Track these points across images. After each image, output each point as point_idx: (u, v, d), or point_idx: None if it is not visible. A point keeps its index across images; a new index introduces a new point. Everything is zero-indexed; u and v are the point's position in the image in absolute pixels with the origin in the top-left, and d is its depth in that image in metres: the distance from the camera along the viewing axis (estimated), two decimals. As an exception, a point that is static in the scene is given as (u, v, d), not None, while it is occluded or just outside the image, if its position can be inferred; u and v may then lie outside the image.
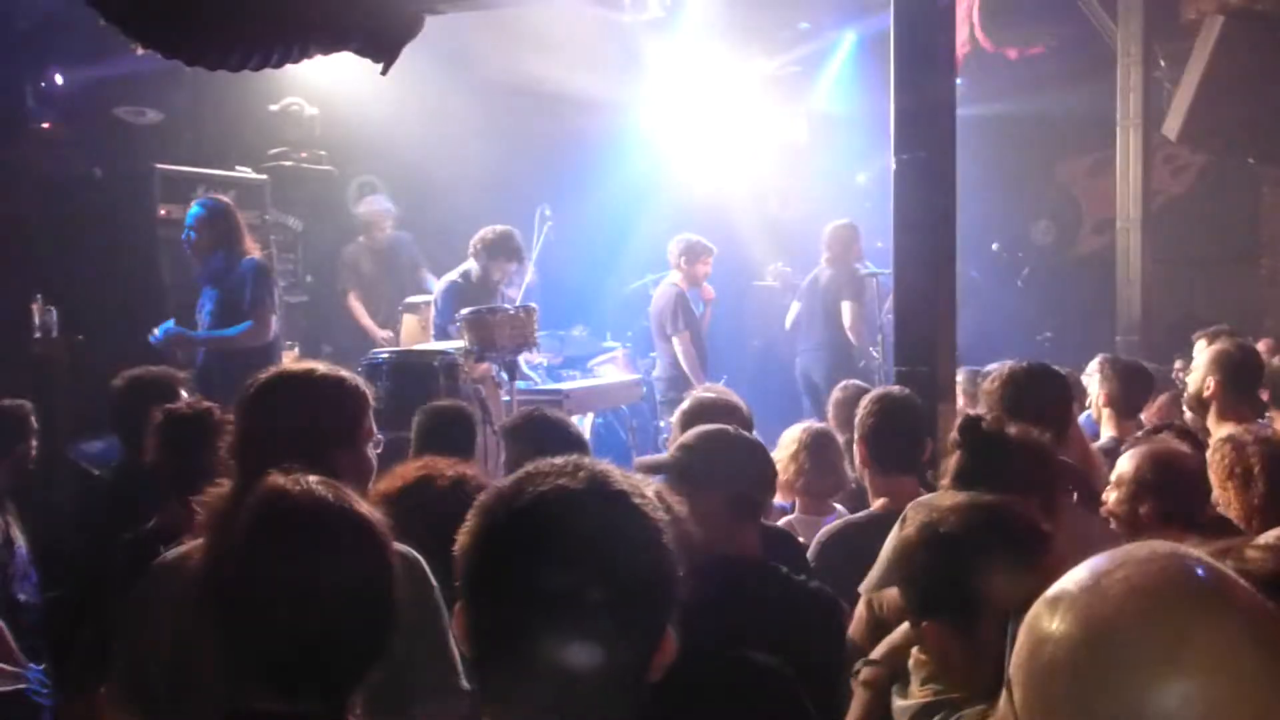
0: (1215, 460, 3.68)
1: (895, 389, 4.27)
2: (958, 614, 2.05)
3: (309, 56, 4.09)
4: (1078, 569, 1.12)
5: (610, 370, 9.21)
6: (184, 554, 2.51)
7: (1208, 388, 4.91)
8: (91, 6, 3.71)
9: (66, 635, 3.30)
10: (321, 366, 2.67)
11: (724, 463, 2.86)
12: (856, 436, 3.97)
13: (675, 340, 8.54)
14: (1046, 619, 1.09)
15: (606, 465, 1.54)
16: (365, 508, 1.96)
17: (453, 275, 7.76)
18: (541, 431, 3.83)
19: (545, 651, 1.41)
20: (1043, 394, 3.74)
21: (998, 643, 1.96)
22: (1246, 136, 9.26)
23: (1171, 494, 3.37)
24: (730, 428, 3.02)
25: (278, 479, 1.94)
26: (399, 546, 2.10)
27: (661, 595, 1.47)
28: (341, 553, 1.87)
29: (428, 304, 8.15)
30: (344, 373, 2.68)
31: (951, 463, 2.90)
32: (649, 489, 1.54)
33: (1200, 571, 1.07)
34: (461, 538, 1.50)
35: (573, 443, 3.68)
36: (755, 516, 2.96)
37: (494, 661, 1.47)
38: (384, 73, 4.39)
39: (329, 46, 4.13)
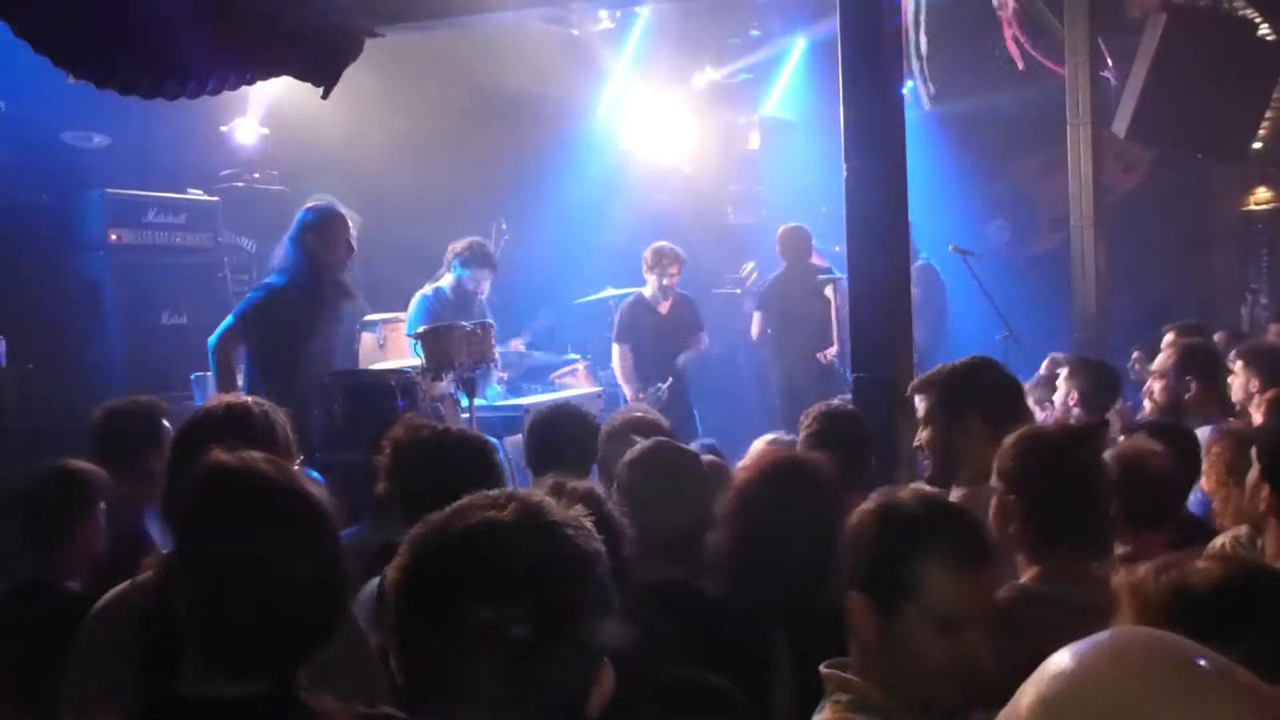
0: (1213, 457, 3.68)
1: (836, 402, 4.27)
2: (886, 592, 2.03)
3: (248, 83, 4.07)
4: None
5: (571, 382, 9.18)
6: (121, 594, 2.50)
7: (1189, 389, 4.95)
8: (22, 38, 3.66)
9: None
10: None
11: (668, 489, 2.83)
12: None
13: (614, 347, 8.62)
14: None
15: (540, 496, 1.53)
16: (310, 485, 1.97)
17: (425, 289, 7.74)
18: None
19: (476, 686, 1.41)
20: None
21: (915, 639, 1.96)
22: (1194, 131, 9.33)
23: (1140, 495, 3.38)
24: (677, 446, 2.98)
25: (220, 455, 1.94)
26: None
27: (594, 627, 1.47)
28: (285, 526, 1.87)
29: (385, 322, 8.10)
30: None
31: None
32: (585, 518, 1.53)
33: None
34: (391, 571, 1.50)
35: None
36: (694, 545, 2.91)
37: (424, 697, 1.46)
38: (324, 96, 4.37)
39: (267, 72, 4.11)
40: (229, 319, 6.02)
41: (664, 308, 8.76)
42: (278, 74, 4.17)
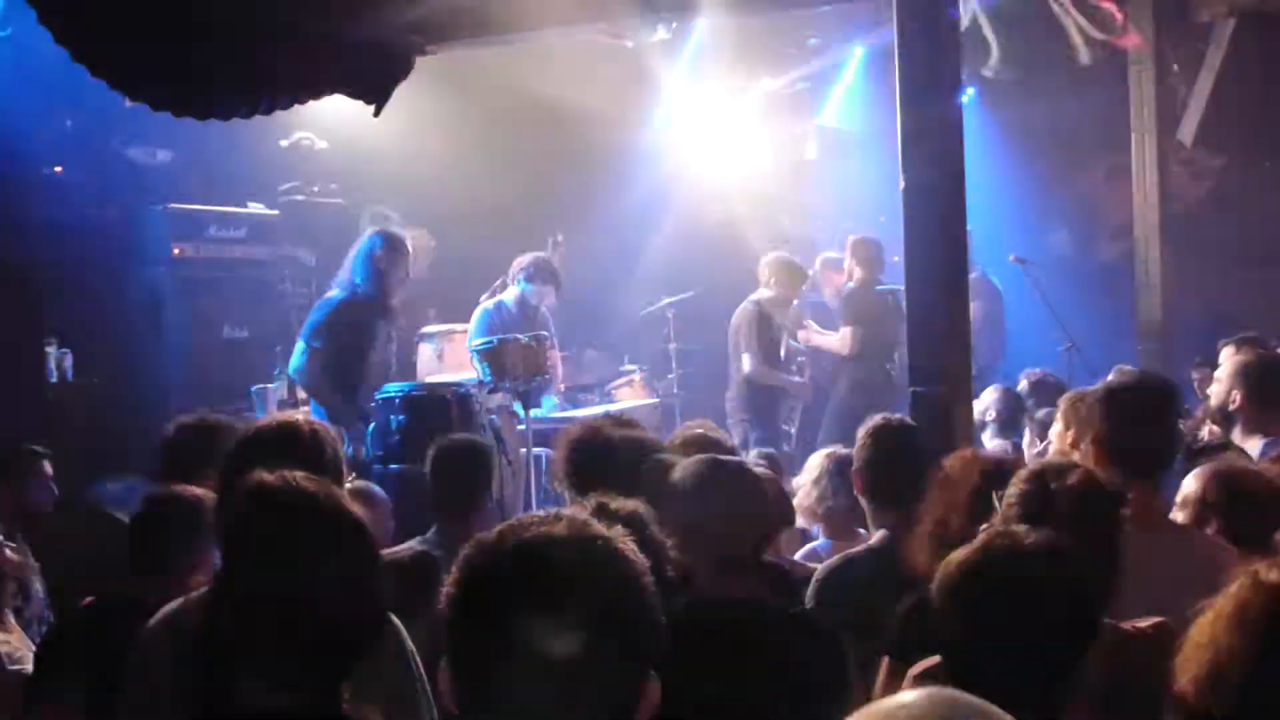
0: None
1: (894, 417, 4.20)
2: None
3: (300, 102, 4.11)
4: None
5: (627, 394, 9.17)
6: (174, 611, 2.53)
7: (1233, 401, 4.83)
8: (78, 61, 3.73)
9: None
10: None
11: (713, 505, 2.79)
12: (854, 467, 3.91)
13: (746, 358, 8.30)
14: None
15: (586, 514, 1.59)
16: (350, 503, 2.04)
17: (486, 303, 7.81)
18: None
19: (527, 699, 1.43)
20: None
21: None
22: (1263, 138, 9.17)
23: (1237, 514, 3.29)
24: (724, 463, 2.94)
25: (263, 475, 2.02)
26: None
27: (643, 641, 1.49)
28: (325, 544, 1.93)
29: (443, 334, 8.16)
30: None
31: None
32: (628, 537, 1.56)
33: None
34: (447, 589, 1.53)
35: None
36: (743, 561, 2.87)
37: (475, 710, 1.48)
38: (376, 114, 4.41)
39: (318, 92, 4.15)
40: (300, 344, 6.23)
41: None
42: (329, 93, 4.23)
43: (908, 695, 1.20)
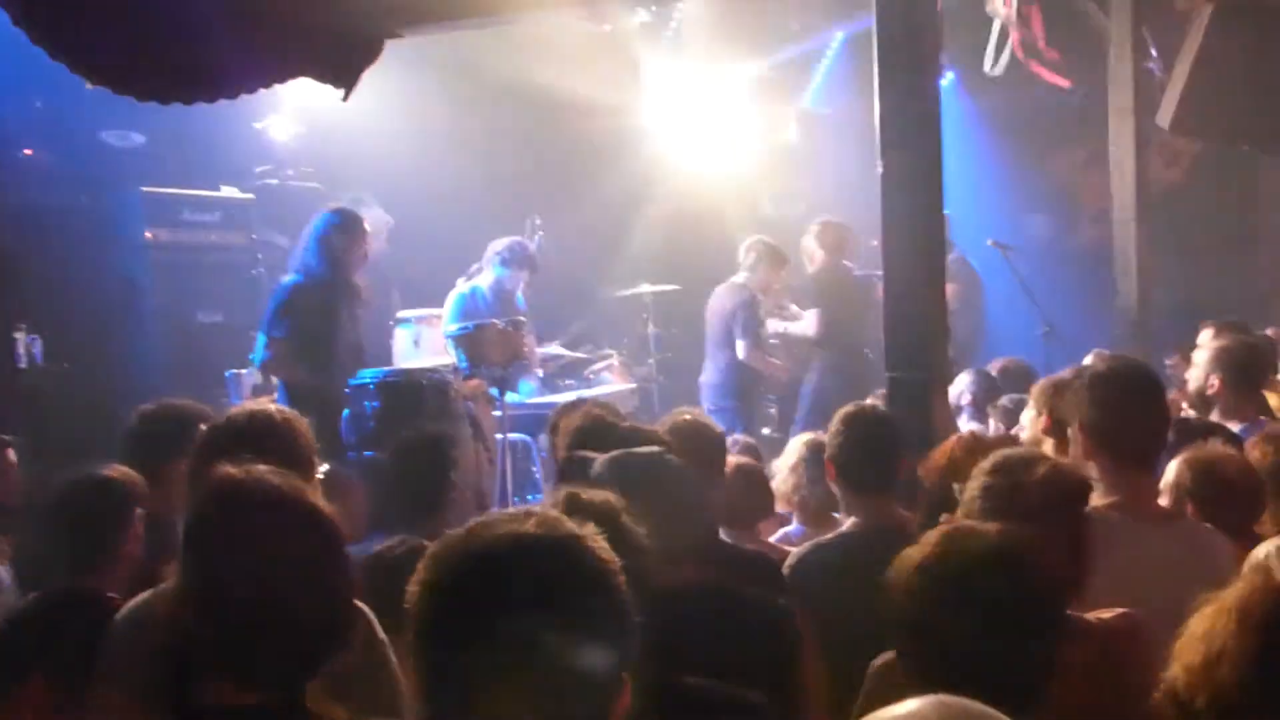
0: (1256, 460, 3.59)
1: (867, 404, 4.19)
2: None
3: (266, 87, 4.06)
4: None
5: (606, 378, 9.14)
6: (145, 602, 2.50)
7: (1211, 386, 4.83)
8: (38, 45, 3.67)
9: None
10: None
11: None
12: (826, 455, 3.89)
13: (741, 344, 8.19)
14: None
15: (556, 512, 1.57)
16: (316, 497, 2.00)
17: (461, 288, 7.74)
18: None
19: (497, 698, 1.41)
20: None
21: None
22: (1240, 123, 9.17)
23: (1213, 500, 3.28)
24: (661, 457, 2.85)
25: (229, 470, 1.99)
26: None
27: (616, 638, 1.47)
28: (289, 540, 1.91)
29: (420, 318, 8.10)
30: None
31: None
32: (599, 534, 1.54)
33: None
34: (413, 588, 1.50)
35: None
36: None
37: (444, 710, 1.46)
38: (345, 99, 4.36)
39: (285, 76, 4.10)
40: (260, 337, 6.14)
41: None
42: (296, 76, 4.17)
43: (913, 703, 1.19)
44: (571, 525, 1.52)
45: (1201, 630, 1.61)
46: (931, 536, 2.08)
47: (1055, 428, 3.96)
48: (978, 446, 3.17)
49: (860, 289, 8.54)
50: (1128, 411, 3.19)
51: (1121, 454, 3.13)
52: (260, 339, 6.24)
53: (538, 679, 1.40)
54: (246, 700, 1.86)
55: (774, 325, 8.90)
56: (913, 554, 2.04)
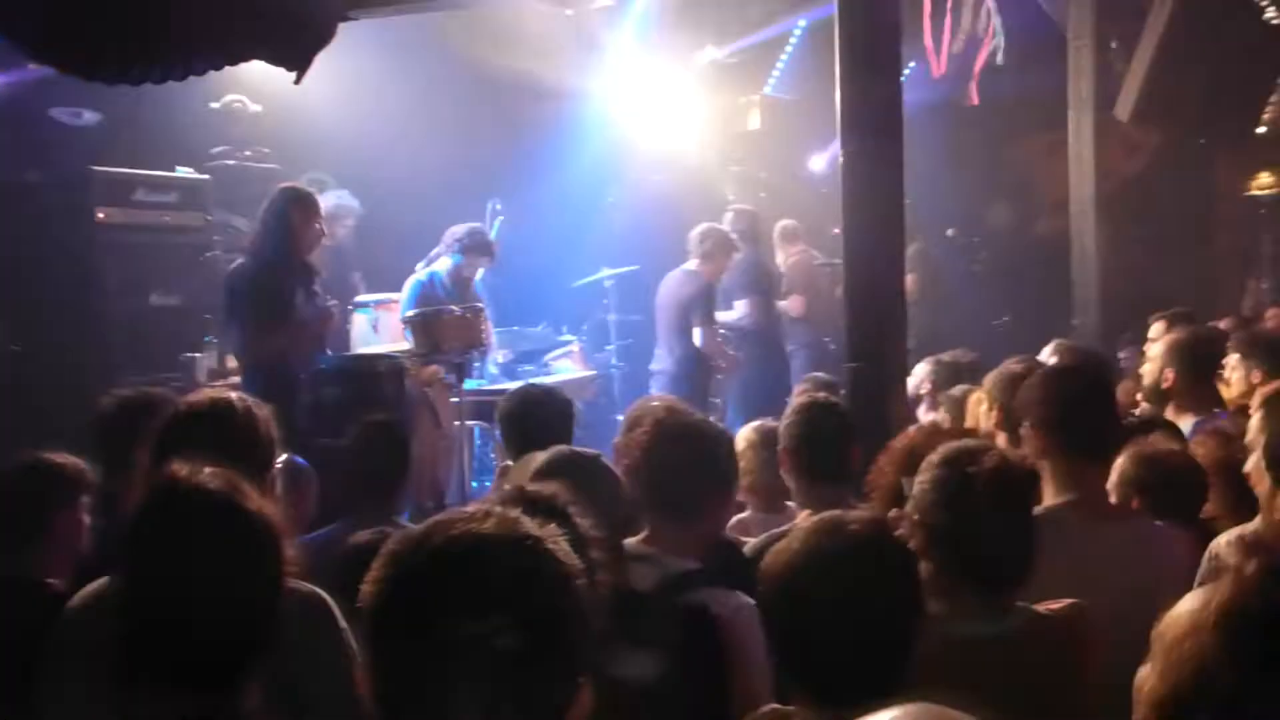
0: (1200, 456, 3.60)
1: (820, 395, 4.17)
2: None
3: (216, 68, 3.99)
4: None
5: (566, 365, 9.11)
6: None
7: (1165, 379, 4.84)
8: (-15, 23, 3.58)
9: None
10: None
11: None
12: (780, 445, 3.87)
13: (698, 331, 8.16)
14: None
15: (517, 512, 1.52)
16: (256, 501, 1.99)
17: (419, 274, 7.67)
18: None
19: (456, 700, 1.38)
20: None
21: None
22: (1198, 116, 9.28)
23: (1160, 493, 3.29)
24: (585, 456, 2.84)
25: (174, 469, 1.99)
26: (302, 586, 2.16)
27: (575, 641, 1.45)
28: (219, 544, 1.91)
29: (378, 303, 8.03)
30: None
31: None
32: (561, 537, 1.51)
33: None
34: (367, 586, 1.46)
35: None
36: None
37: (401, 713, 1.43)
38: (296, 82, 4.30)
39: (237, 57, 4.03)
40: (229, 325, 6.10)
41: None
42: (247, 59, 4.10)
43: (890, 712, 1.18)
44: (531, 526, 1.48)
45: (1182, 638, 1.53)
46: (797, 530, 2.11)
47: (1005, 420, 3.97)
48: (938, 437, 3.16)
49: (775, 279, 8.93)
50: (1080, 410, 3.19)
51: (1075, 452, 3.14)
52: (225, 326, 6.18)
53: (493, 681, 1.38)
54: (180, 701, 1.86)
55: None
56: (779, 549, 2.07)
